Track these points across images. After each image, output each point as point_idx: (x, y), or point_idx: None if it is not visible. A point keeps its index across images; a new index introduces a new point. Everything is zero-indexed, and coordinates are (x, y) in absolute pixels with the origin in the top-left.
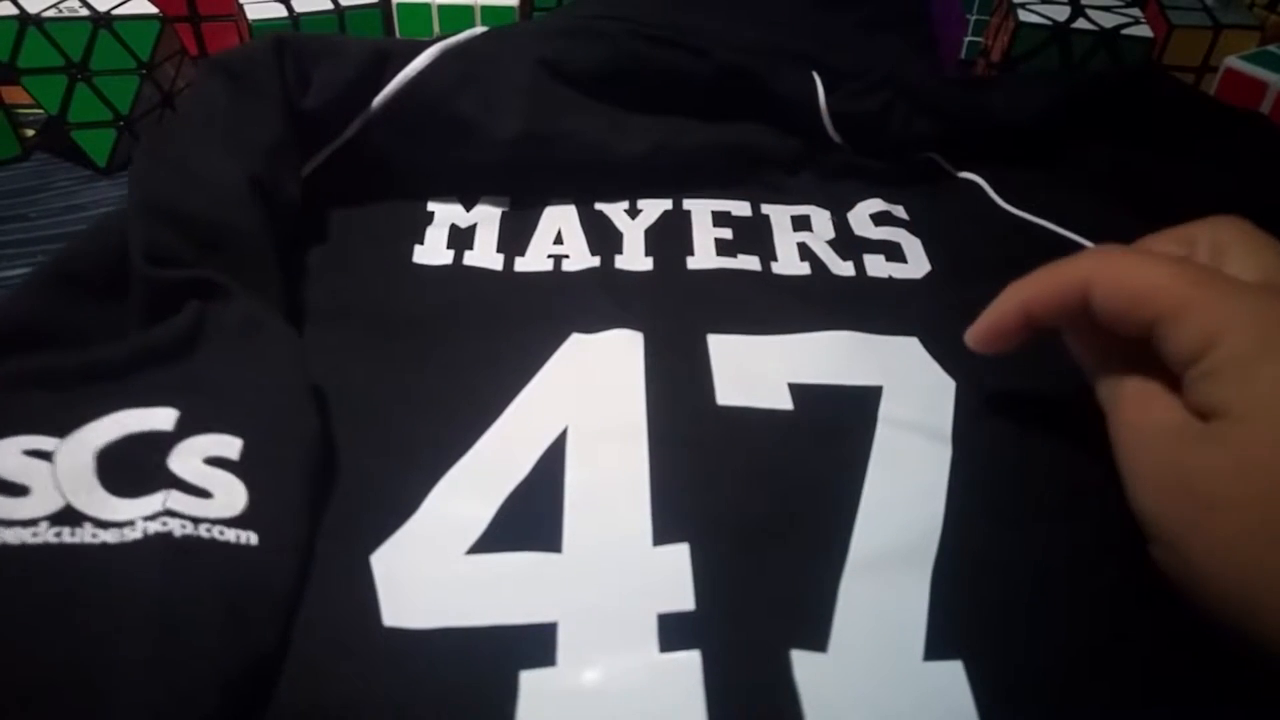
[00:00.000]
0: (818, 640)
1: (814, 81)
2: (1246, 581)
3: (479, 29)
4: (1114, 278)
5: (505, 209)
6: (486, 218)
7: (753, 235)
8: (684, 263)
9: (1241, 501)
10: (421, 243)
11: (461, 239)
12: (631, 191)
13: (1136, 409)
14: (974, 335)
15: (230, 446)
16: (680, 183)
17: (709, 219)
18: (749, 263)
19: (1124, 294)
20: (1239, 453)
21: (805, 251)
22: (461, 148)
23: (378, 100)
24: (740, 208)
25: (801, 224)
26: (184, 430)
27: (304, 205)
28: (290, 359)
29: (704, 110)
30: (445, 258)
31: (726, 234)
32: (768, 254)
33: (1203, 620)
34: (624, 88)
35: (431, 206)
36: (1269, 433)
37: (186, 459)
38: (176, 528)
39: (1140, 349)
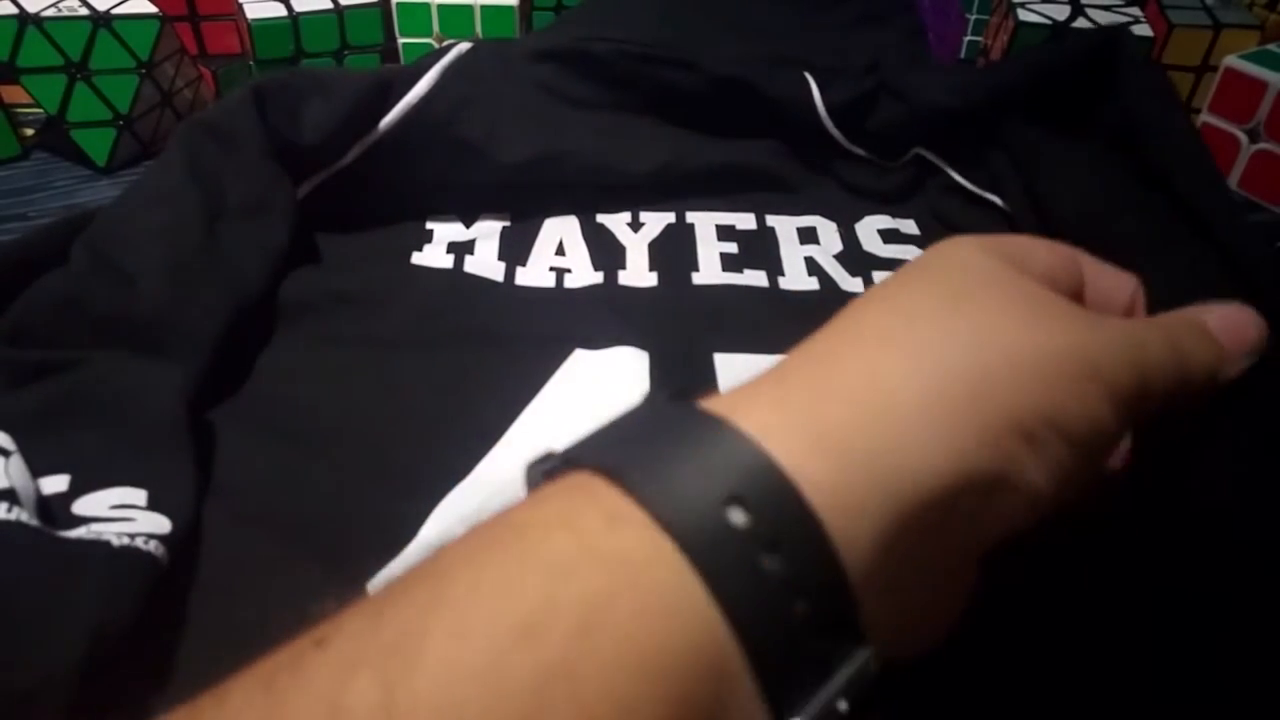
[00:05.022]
0: None
1: (808, 82)
2: None
3: (466, 43)
4: None
5: (505, 224)
6: (486, 232)
7: (758, 249)
8: (689, 279)
9: None
10: (420, 250)
11: (462, 247)
12: (633, 203)
13: None
14: None
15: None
16: (683, 195)
17: (713, 232)
18: (756, 278)
19: None
20: None
21: (813, 266)
22: (465, 170)
23: (384, 123)
24: (744, 220)
25: (808, 236)
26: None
27: (299, 222)
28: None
29: (705, 123)
30: (445, 262)
31: (732, 248)
32: (775, 269)
33: None
34: (624, 106)
35: (430, 225)
36: None
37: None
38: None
39: None
